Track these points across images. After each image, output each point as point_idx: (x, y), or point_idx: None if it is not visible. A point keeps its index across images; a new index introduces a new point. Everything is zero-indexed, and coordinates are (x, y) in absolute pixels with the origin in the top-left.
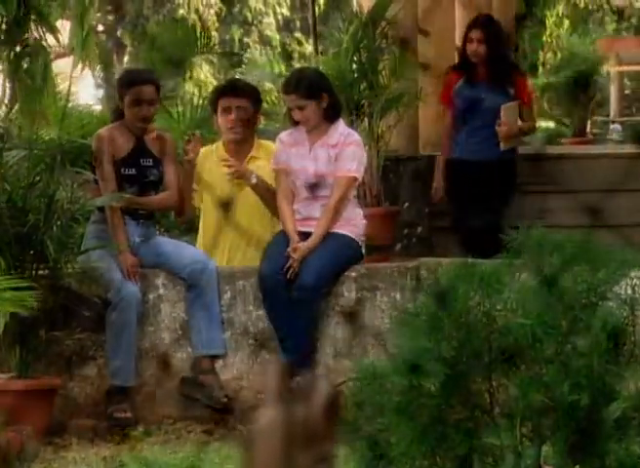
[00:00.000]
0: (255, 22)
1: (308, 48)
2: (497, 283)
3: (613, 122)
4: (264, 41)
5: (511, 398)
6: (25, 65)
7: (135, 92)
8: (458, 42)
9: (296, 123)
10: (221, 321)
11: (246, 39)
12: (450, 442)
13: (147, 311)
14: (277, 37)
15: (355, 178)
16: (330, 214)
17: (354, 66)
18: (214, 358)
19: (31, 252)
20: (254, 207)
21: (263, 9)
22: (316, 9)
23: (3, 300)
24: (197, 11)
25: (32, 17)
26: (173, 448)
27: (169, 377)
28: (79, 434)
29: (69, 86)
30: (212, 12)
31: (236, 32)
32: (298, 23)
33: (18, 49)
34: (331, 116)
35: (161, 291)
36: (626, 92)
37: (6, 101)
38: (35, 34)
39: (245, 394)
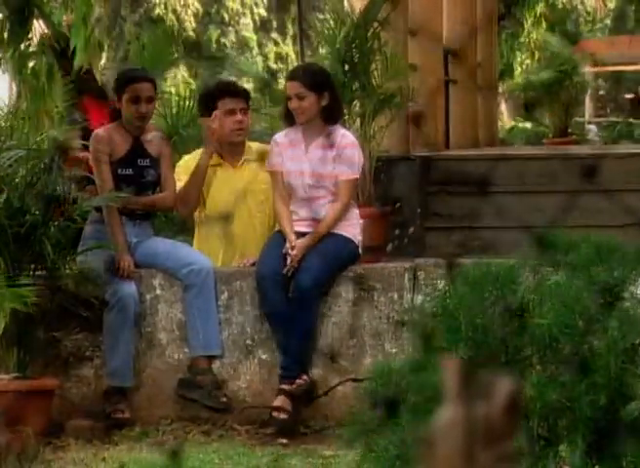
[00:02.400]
0: (232, 23)
1: (285, 48)
2: (512, 283)
3: (589, 123)
4: (241, 42)
5: (528, 398)
6: (30, 65)
7: (133, 89)
8: (445, 41)
9: (290, 123)
10: (219, 321)
11: (223, 39)
12: None
13: (144, 312)
14: (254, 38)
15: (357, 179)
16: (335, 216)
17: (346, 67)
18: (211, 358)
19: (29, 252)
20: (250, 221)
21: (241, 9)
22: (296, 10)
23: (3, 298)
24: (175, 11)
25: (36, 16)
26: (171, 449)
27: (166, 378)
28: (77, 434)
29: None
30: (189, 12)
31: (213, 33)
32: (274, 24)
33: (22, 48)
34: (330, 118)
35: (158, 291)
36: (601, 92)
37: (7, 101)
38: (39, 33)
39: (242, 394)
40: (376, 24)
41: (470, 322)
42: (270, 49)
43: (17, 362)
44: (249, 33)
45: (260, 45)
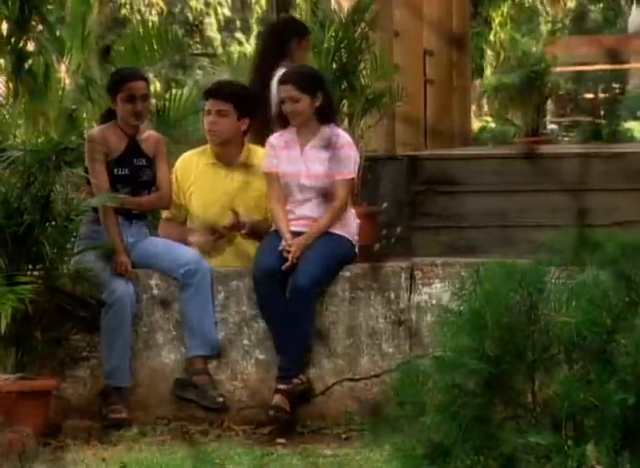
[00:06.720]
0: (196, 23)
1: (248, 48)
2: (538, 282)
3: (550, 122)
4: (205, 41)
5: (555, 396)
6: (27, 65)
7: (128, 88)
8: (425, 43)
9: (284, 125)
10: (215, 321)
11: (187, 39)
12: (494, 441)
13: (141, 312)
14: (218, 37)
15: (353, 179)
16: (332, 216)
17: (334, 66)
18: (207, 358)
19: (27, 252)
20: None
21: (205, 9)
22: (258, 9)
23: (2, 298)
24: (139, 11)
25: (34, 17)
26: (170, 449)
27: (163, 378)
28: (74, 435)
29: (63, 86)
30: (153, 12)
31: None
32: (238, 24)
33: (20, 49)
34: (324, 118)
35: (155, 291)
36: (561, 92)
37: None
38: (37, 34)
39: (239, 394)
40: (363, 24)
41: (497, 320)
42: (234, 49)
43: (15, 362)
44: (213, 33)
45: (223, 45)
